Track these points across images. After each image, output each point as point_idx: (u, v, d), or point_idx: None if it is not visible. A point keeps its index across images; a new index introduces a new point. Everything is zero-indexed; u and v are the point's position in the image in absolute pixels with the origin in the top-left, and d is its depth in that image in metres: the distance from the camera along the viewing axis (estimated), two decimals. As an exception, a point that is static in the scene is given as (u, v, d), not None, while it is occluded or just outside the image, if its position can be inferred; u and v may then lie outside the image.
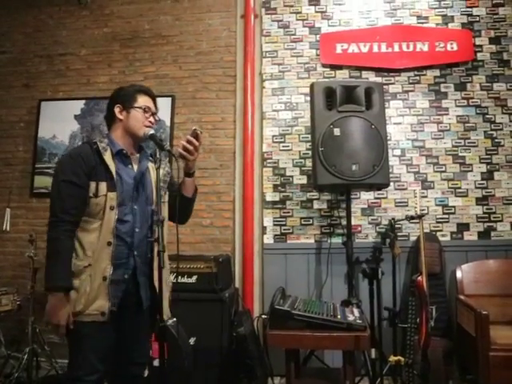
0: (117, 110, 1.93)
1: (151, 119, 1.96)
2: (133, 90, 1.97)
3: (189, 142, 1.91)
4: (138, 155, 1.98)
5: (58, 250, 1.75)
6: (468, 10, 3.75)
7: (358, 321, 2.23)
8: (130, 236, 1.84)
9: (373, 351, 2.60)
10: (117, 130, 1.95)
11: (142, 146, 2.03)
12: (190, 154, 1.93)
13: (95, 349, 1.76)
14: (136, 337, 1.93)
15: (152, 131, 1.93)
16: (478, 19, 3.73)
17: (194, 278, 3.10)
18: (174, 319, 2.80)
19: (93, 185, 1.80)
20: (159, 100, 3.70)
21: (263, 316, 3.27)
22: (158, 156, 1.84)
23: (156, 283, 1.84)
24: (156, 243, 1.77)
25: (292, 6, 3.89)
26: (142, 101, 1.95)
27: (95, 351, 1.76)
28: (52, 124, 3.95)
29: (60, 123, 3.93)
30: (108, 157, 1.85)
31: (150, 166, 2.00)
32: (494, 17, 3.72)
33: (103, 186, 1.80)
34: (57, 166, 2.01)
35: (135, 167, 1.94)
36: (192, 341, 2.97)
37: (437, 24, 3.77)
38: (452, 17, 3.77)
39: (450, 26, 3.76)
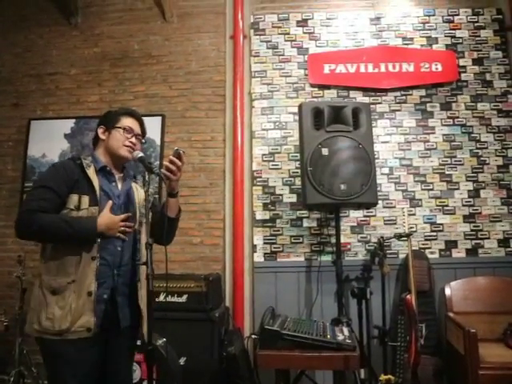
0: (100, 130, 1.98)
1: (132, 140, 1.97)
2: (118, 112, 2.01)
3: (171, 162, 1.91)
4: (121, 175, 2.00)
5: (49, 218, 1.74)
6: (451, 31, 3.86)
7: (348, 340, 2.22)
8: (112, 254, 1.83)
9: (362, 371, 2.59)
10: (100, 149, 1.99)
11: (124, 166, 2.05)
12: (172, 174, 1.91)
13: (76, 374, 1.71)
14: (118, 360, 1.90)
15: (141, 154, 1.94)
16: (461, 41, 3.84)
17: (184, 297, 3.09)
18: (164, 339, 2.79)
19: (75, 197, 1.80)
20: (149, 119, 3.83)
21: (253, 336, 3.25)
22: (146, 179, 1.85)
23: (141, 305, 1.85)
24: (144, 266, 1.75)
25: (280, 27, 3.96)
26: (125, 122, 1.97)
27: (75, 376, 1.71)
28: (42, 143, 3.94)
29: (50, 142, 3.92)
30: (91, 172, 1.86)
31: (134, 186, 2.03)
32: (477, 39, 3.82)
33: (86, 199, 1.80)
34: (39, 175, 2.02)
35: (119, 185, 1.96)
36: (182, 361, 2.95)
37: (421, 45, 3.86)
38: (436, 38, 3.86)
39: (435, 47, 3.85)
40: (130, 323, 1.89)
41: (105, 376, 1.85)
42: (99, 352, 1.80)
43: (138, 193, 2.03)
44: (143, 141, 2.05)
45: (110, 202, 1.85)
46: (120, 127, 1.95)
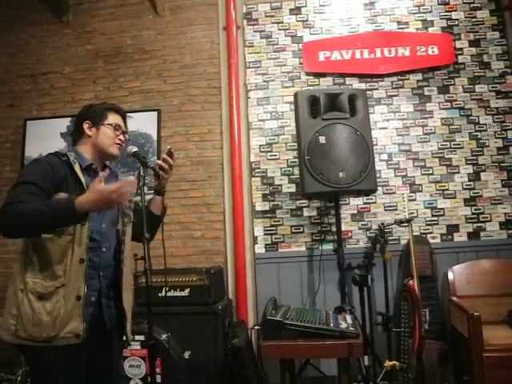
0: (86, 125, 1.90)
1: (121, 137, 1.94)
2: (103, 108, 1.95)
3: (164, 160, 1.92)
4: (105, 173, 1.92)
5: (30, 206, 1.58)
6: (447, 14, 3.81)
7: (351, 328, 2.22)
8: (97, 256, 1.78)
9: (366, 358, 2.59)
10: (85, 146, 1.90)
11: (106, 164, 1.99)
12: (165, 172, 1.95)
13: (67, 380, 1.66)
14: (107, 359, 1.86)
15: (135, 148, 1.93)
16: (457, 23, 3.79)
17: (187, 291, 3.09)
18: (167, 334, 2.80)
19: (62, 195, 1.70)
20: (145, 114, 3.84)
21: (256, 327, 3.26)
22: (142, 174, 1.84)
23: (126, 305, 1.84)
24: (128, 268, 1.74)
25: (273, 16, 3.92)
26: (113, 118, 1.93)
27: (66, 382, 1.66)
28: (38, 143, 3.93)
29: (46, 142, 3.90)
30: (78, 170, 1.78)
31: None
32: (473, 20, 3.77)
33: None
34: (21, 172, 1.83)
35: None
36: (186, 355, 2.95)
37: (417, 29, 3.82)
38: (432, 21, 3.81)
39: (430, 30, 3.81)
40: (115, 323, 1.87)
41: (97, 376, 1.82)
42: (88, 355, 1.75)
43: None
44: (127, 137, 2.01)
45: (102, 175, 1.79)
46: (110, 124, 1.91)
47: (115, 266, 1.88)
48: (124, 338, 1.91)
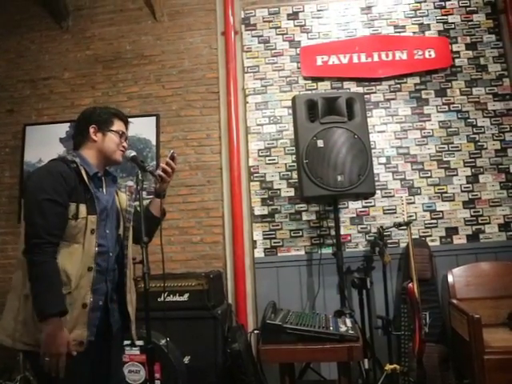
0: (92, 130, 1.88)
1: (125, 144, 1.96)
2: (109, 113, 1.95)
3: (168, 164, 1.98)
4: (106, 178, 1.94)
5: (47, 273, 1.61)
6: (443, 17, 3.83)
7: (351, 331, 2.21)
8: (105, 261, 1.79)
9: (366, 361, 2.58)
10: (89, 150, 1.89)
11: (107, 169, 2.00)
12: (167, 175, 2.01)
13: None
14: (110, 363, 1.87)
15: (134, 153, 1.94)
16: (453, 26, 3.81)
17: (186, 295, 3.08)
18: (167, 339, 2.79)
19: (73, 206, 1.72)
20: (144, 119, 3.85)
21: (256, 331, 3.25)
22: (140, 178, 1.85)
23: (130, 308, 1.85)
24: (131, 271, 1.75)
25: (271, 21, 3.94)
26: (118, 125, 1.94)
27: None
28: (38, 148, 3.94)
29: (46, 147, 3.91)
30: (85, 177, 1.78)
31: (116, 190, 2.01)
32: (469, 23, 3.79)
33: (83, 208, 1.73)
34: (33, 182, 1.77)
35: (104, 190, 1.91)
36: (186, 360, 2.95)
37: (414, 33, 3.84)
38: (428, 25, 3.83)
39: (427, 33, 3.83)
40: (119, 326, 1.89)
41: (100, 379, 1.82)
42: (92, 358, 1.75)
43: (120, 197, 2.01)
44: (128, 143, 2.03)
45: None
46: (118, 131, 1.92)
47: (119, 270, 1.89)
48: (129, 341, 1.93)
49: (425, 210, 3.59)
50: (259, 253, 3.63)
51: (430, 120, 3.70)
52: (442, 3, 3.85)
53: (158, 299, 2.88)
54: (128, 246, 1.91)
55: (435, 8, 3.85)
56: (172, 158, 2.01)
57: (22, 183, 3.88)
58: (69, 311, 1.64)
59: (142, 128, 3.81)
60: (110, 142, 1.90)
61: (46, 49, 4.16)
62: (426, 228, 3.57)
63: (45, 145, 3.92)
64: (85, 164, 1.83)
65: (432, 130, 3.69)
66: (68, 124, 3.94)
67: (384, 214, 3.61)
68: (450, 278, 3.34)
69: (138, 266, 1.83)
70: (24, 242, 1.68)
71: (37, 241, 1.63)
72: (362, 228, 3.60)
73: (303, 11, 3.94)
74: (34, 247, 1.63)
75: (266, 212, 3.68)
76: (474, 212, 3.56)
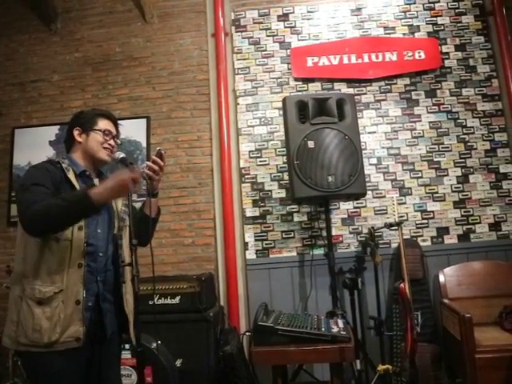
0: (76, 132, 1.91)
1: (111, 142, 1.94)
2: (93, 114, 1.96)
3: (154, 162, 1.93)
4: (98, 179, 1.95)
5: (52, 203, 1.62)
6: (433, 19, 3.85)
7: (342, 332, 2.21)
8: (93, 261, 1.78)
9: (357, 362, 2.58)
10: (76, 152, 1.91)
11: (101, 171, 2.00)
12: (155, 173, 1.94)
13: None
14: (107, 367, 1.85)
15: (122, 154, 1.91)
16: (442, 28, 3.84)
17: (178, 298, 3.06)
18: (158, 342, 2.77)
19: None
20: (134, 122, 3.82)
21: (247, 333, 3.24)
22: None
23: (127, 310, 1.83)
24: (127, 268, 1.74)
25: (261, 23, 3.94)
26: (103, 124, 1.93)
27: None
28: (27, 151, 3.90)
29: (35, 150, 3.87)
30: (72, 176, 1.80)
31: None
32: (458, 25, 3.83)
33: None
34: (22, 178, 1.83)
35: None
36: (178, 363, 2.93)
37: (404, 34, 3.86)
38: (418, 26, 3.86)
39: (417, 35, 3.85)
40: (115, 329, 1.86)
41: (96, 381, 1.81)
42: (87, 361, 1.75)
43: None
44: (119, 142, 2.01)
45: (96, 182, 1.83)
46: (100, 130, 1.91)
47: (114, 271, 1.87)
48: (127, 343, 1.91)
49: (416, 211, 3.61)
50: (251, 254, 3.62)
51: (420, 121, 3.72)
52: (432, 5, 3.88)
53: (150, 302, 2.86)
54: (123, 246, 1.90)
55: (424, 10, 3.88)
56: (160, 155, 1.94)
57: (11, 187, 3.84)
58: (63, 308, 1.66)
59: (133, 130, 3.79)
60: (92, 141, 1.90)
61: (34, 51, 4.12)
62: (417, 228, 3.58)
63: (34, 148, 3.88)
64: (73, 165, 1.85)
65: (422, 130, 3.71)
66: (57, 127, 3.90)
67: (375, 214, 3.61)
68: (442, 278, 3.35)
69: (128, 268, 1.80)
70: (19, 220, 1.69)
71: (28, 208, 1.64)
72: (353, 229, 3.61)
73: (293, 13, 3.94)
74: (26, 214, 1.64)
75: (257, 213, 3.67)
76: (465, 212, 3.58)
